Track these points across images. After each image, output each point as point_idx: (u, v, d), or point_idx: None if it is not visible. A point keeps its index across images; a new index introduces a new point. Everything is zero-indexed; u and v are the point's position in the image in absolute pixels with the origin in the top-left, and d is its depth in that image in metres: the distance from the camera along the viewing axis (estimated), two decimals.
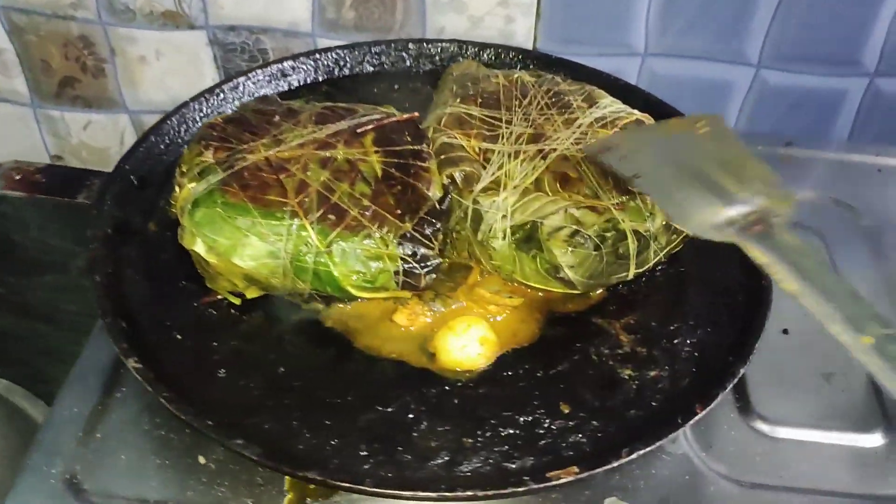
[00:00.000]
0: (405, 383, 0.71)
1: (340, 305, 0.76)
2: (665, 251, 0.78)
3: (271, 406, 0.68)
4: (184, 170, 0.77)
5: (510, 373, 0.73)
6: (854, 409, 0.71)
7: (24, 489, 0.67)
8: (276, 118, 0.81)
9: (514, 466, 0.65)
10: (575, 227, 0.74)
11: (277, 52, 1.13)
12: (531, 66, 1.00)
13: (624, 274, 0.76)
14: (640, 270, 0.77)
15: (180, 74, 1.17)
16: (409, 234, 0.73)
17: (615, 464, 0.63)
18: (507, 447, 0.66)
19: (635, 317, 0.78)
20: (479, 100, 0.86)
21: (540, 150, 0.79)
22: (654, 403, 0.70)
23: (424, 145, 0.80)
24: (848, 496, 0.70)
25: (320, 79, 1.01)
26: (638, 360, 0.74)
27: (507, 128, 0.82)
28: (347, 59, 1.02)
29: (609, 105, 0.85)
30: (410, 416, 0.68)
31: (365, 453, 0.65)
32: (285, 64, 0.99)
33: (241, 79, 0.96)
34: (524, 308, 0.78)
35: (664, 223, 0.76)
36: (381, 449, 0.66)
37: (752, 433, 0.74)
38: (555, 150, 0.79)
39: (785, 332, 0.79)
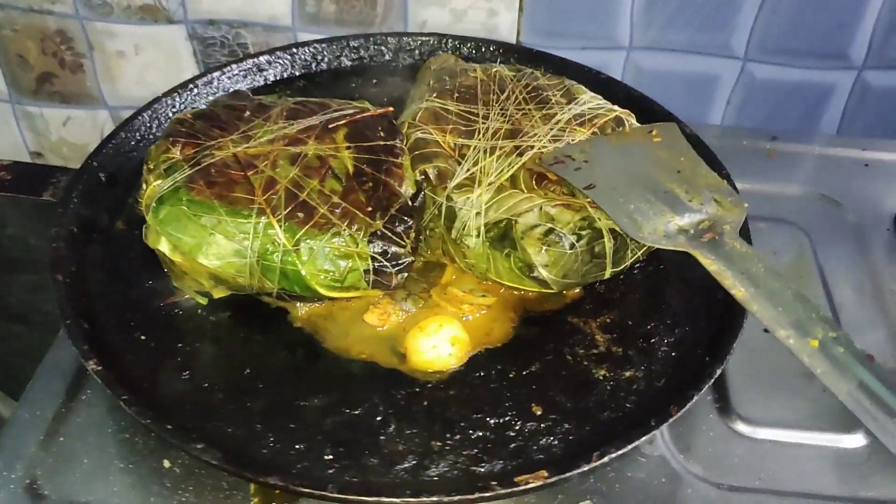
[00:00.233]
0: (373, 385, 0.70)
1: (310, 305, 0.75)
2: (643, 250, 0.76)
3: (235, 409, 0.67)
4: (151, 166, 0.75)
5: (482, 374, 0.71)
6: (835, 409, 0.69)
7: None
8: (247, 114, 0.80)
9: (482, 470, 0.63)
10: (550, 224, 0.72)
11: (257, 46, 1.12)
12: (512, 60, 0.98)
13: (600, 273, 0.75)
14: (617, 270, 0.75)
15: (160, 69, 1.15)
16: (379, 232, 0.71)
17: (585, 468, 0.61)
18: (476, 450, 0.65)
19: (612, 316, 0.76)
20: (456, 94, 0.84)
21: (517, 147, 0.78)
22: (628, 405, 0.69)
23: (398, 140, 0.78)
24: (829, 498, 0.69)
25: (297, 73, 0.99)
26: (613, 360, 0.72)
27: (483, 123, 0.80)
28: (325, 54, 1.00)
29: (588, 101, 0.83)
30: (378, 418, 0.67)
31: (330, 457, 0.64)
32: (261, 58, 0.97)
33: (216, 73, 0.94)
34: (498, 307, 0.76)
35: None
36: (346, 453, 0.64)
37: (732, 434, 0.73)
38: (532, 146, 0.78)
39: (766, 331, 0.78)
